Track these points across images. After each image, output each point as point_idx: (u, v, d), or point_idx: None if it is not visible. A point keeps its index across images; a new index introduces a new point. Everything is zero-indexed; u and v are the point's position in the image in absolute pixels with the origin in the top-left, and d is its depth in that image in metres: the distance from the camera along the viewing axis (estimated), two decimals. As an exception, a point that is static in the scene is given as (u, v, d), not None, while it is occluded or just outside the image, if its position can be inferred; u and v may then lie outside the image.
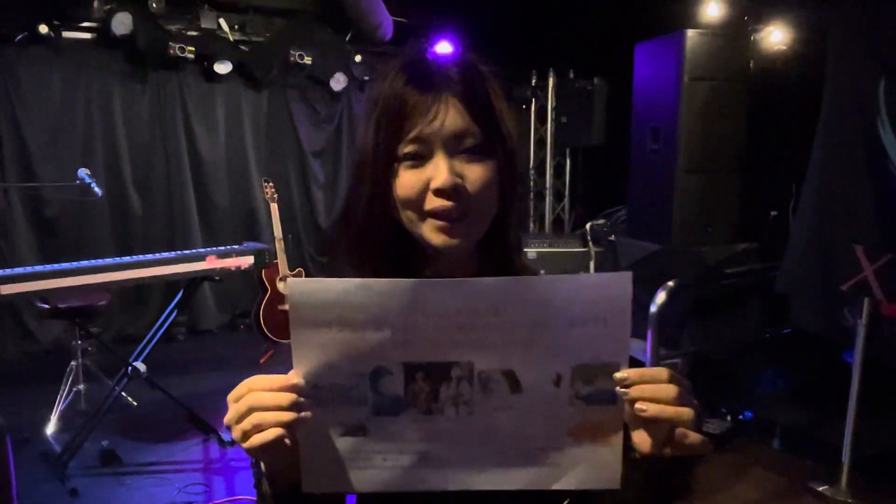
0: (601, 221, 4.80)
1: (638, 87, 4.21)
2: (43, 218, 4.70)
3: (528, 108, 6.32)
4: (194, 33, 4.93)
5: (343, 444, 0.65)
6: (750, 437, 3.48)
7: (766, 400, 3.76)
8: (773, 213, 4.33)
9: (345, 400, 0.64)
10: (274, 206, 4.46)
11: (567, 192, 6.36)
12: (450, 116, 0.75)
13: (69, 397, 3.57)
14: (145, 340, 3.41)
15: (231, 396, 0.64)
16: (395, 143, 0.75)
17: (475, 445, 0.65)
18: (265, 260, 3.42)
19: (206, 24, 4.95)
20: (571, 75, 6.00)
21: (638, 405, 0.63)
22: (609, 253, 4.46)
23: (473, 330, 0.63)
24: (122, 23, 4.51)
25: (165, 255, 3.22)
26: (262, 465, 0.70)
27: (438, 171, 0.74)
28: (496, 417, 0.65)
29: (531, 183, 6.30)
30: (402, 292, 0.63)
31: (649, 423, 0.64)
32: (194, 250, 3.41)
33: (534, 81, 6.27)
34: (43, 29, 4.35)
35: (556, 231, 6.14)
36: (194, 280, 3.31)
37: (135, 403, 3.66)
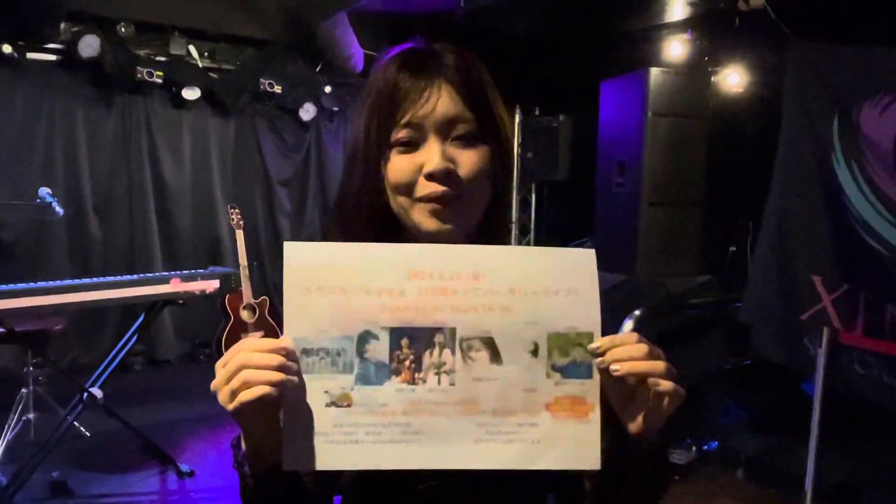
0: (567, 253, 4.86)
1: (604, 124, 4.32)
2: (-3, 241, 4.55)
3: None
4: (163, 59, 4.90)
5: (327, 415, 0.65)
6: (714, 466, 3.50)
7: (730, 430, 3.80)
8: (732, 248, 4.45)
9: (332, 366, 0.65)
10: (240, 233, 4.40)
11: (532, 226, 6.44)
12: (442, 101, 0.75)
13: (18, 426, 3.40)
14: (102, 366, 3.30)
15: (220, 362, 0.64)
16: (387, 129, 0.76)
17: (456, 419, 0.66)
18: (231, 284, 3.35)
19: (175, 50, 4.93)
20: (537, 112, 6.13)
21: (611, 367, 0.65)
22: (575, 284, 4.51)
23: (455, 294, 0.66)
24: (89, 45, 4.46)
25: (128, 277, 3.14)
26: (242, 444, 0.69)
27: (430, 155, 0.74)
28: (477, 389, 0.66)
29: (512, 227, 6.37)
30: (391, 256, 0.67)
31: (628, 389, 0.66)
32: (158, 273, 3.33)
33: (500, 117, 6.39)
34: (6, 49, 4.27)
35: (522, 264, 6.19)
36: (156, 304, 3.23)
37: (87, 434, 3.50)
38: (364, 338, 0.66)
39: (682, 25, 4.41)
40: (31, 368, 3.44)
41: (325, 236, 0.84)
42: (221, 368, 0.64)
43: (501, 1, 4.24)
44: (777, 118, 3.37)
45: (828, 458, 2.97)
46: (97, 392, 3.11)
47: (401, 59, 0.78)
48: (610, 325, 0.69)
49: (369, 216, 0.79)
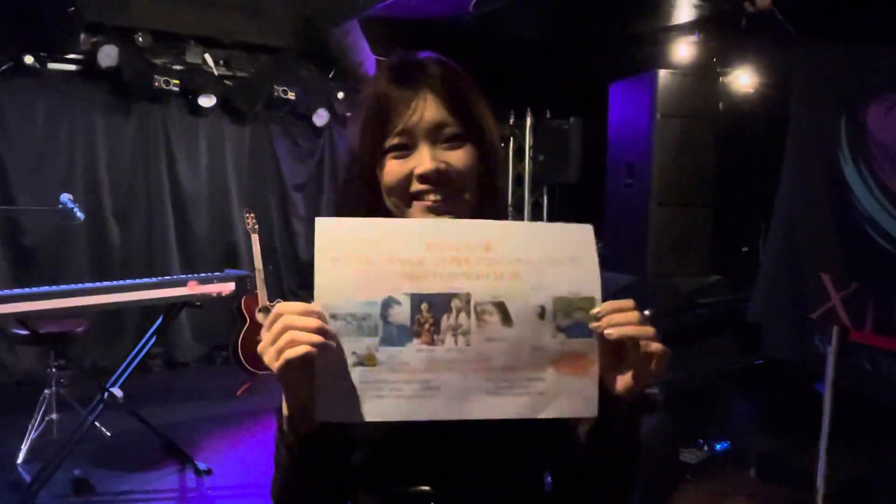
0: (578, 255, 4.89)
1: (613, 125, 4.36)
2: (20, 247, 4.66)
3: (506, 147, 6.47)
4: (179, 67, 5.00)
5: (355, 374, 0.71)
6: (726, 466, 3.50)
7: (742, 429, 3.80)
8: (745, 249, 4.46)
9: (359, 330, 0.71)
10: (255, 237, 4.48)
11: (544, 229, 6.46)
12: (429, 109, 0.83)
13: (41, 427, 3.49)
14: (122, 367, 3.37)
15: (266, 324, 0.71)
16: (381, 138, 0.84)
17: (471, 375, 0.72)
18: (247, 287, 3.42)
19: (191, 58, 5.02)
20: (548, 115, 6.16)
21: (606, 331, 0.72)
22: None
23: (469, 263, 0.73)
24: (108, 55, 4.56)
25: (146, 280, 3.22)
26: (284, 408, 0.75)
27: (421, 159, 0.82)
28: (490, 348, 0.73)
29: (509, 216, 6.40)
30: (412, 230, 0.74)
31: (621, 352, 0.73)
32: (175, 276, 3.40)
33: (511, 121, 6.43)
34: (28, 60, 4.38)
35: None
36: (174, 306, 3.30)
37: (108, 433, 3.59)
38: (387, 303, 0.71)
39: (690, 27, 4.44)
40: (54, 370, 3.53)
41: None
42: (267, 331, 0.70)
43: (510, 5, 4.29)
44: (785, 118, 3.39)
45: (839, 456, 2.97)
46: (117, 392, 3.19)
47: (389, 72, 0.86)
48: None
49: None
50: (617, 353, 0.74)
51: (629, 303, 0.74)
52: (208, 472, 3.29)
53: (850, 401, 3.01)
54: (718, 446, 3.61)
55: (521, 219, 6.44)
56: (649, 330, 0.72)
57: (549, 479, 0.91)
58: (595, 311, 0.73)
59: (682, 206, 4.03)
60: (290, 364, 0.68)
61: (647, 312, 0.79)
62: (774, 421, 3.78)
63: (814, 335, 3.26)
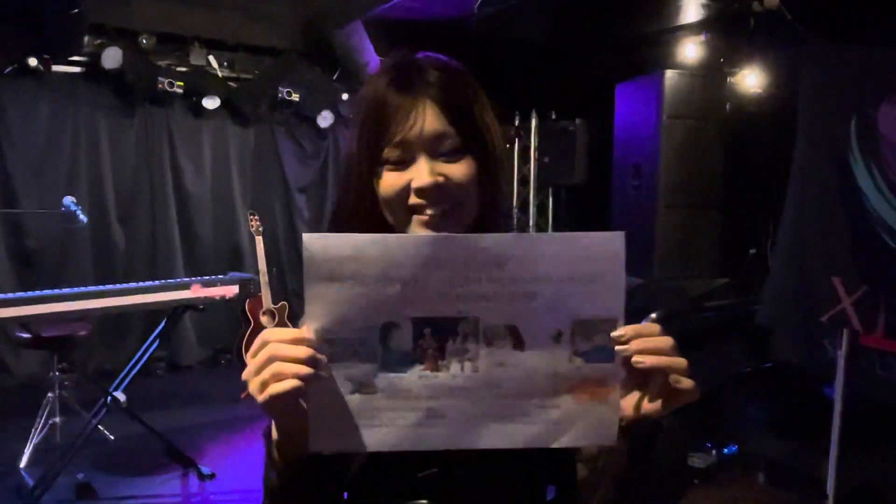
0: (584, 257, 4.86)
1: (619, 126, 4.33)
2: (24, 250, 4.65)
3: (512, 149, 6.44)
4: (183, 69, 4.99)
5: (352, 401, 0.66)
6: (735, 470, 3.47)
7: (750, 433, 3.76)
8: (752, 251, 4.42)
9: (355, 355, 0.65)
10: (259, 239, 4.46)
11: (550, 230, 6.44)
12: (428, 120, 0.78)
13: (44, 430, 3.47)
14: (125, 371, 3.36)
15: (250, 352, 0.65)
16: (378, 148, 0.79)
17: (479, 403, 0.66)
18: (250, 290, 3.40)
19: (195, 60, 5.02)
20: (553, 116, 6.14)
21: (635, 358, 0.66)
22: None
23: (478, 283, 0.65)
24: (111, 57, 4.56)
25: (149, 283, 3.20)
26: (273, 433, 0.70)
27: (419, 172, 0.77)
28: (500, 374, 0.66)
29: (514, 221, 6.38)
30: (412, 247, 0.65)
31: (645, 379, 0.68)
32: (178, 279, 3.39)
33: (517, 122, 6.40)
34: (32, 62, 4.37)
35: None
36: (178, 309, 3.28)
37: (112, 437, 3.57)
38: (387, 328, 0.65)
39: (697, 27, 4.40)
40: (57, 373, 3.52)
41: None
42: (252, 358, 0.65)
43: (515, 6, 4.26)
44: (794, 119, 3.36)
45: (849, 461, 2.93)
46: (121, 396, 3.17)
47: (387, 76, 0.81)
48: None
49: (366, 229, 0.80)
50: (639, 380, 0.68)
51: (656, 327, 0.67)
52: (212, 476, 3.27)
53: (860, 405, 2.97)
54: (727, 451, 3.58)
55: (527, 221, 6.41)
56: (682, 362, 0.66)
57: (552, 491, 0.87)
58: (617, 333, 0.66)
59: (689, 208, 4.00)
60: (275, 398, 0.62)
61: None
62: (784, 425, 3.73)
63: (823, 339, 3.23)
